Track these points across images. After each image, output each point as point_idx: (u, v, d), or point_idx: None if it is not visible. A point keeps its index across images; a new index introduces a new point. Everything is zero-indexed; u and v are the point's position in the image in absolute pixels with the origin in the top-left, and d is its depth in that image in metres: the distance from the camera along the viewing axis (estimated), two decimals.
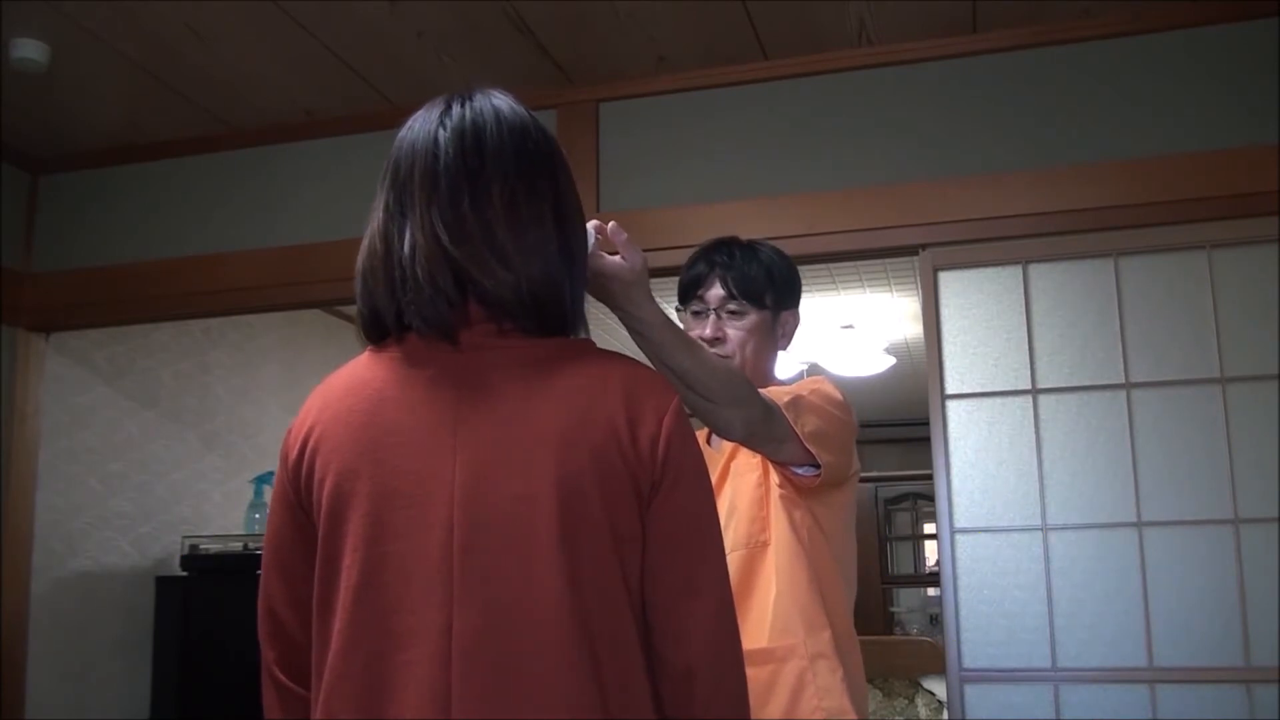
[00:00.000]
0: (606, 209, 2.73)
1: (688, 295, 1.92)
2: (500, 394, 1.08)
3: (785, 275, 1.92)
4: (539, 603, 1.02)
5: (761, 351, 1.91)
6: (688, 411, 1.17)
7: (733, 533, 1.79)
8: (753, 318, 1.87)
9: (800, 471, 1.74)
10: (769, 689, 1.67)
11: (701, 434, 1.98)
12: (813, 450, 1.68)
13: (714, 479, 1.86)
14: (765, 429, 1.63)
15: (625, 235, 1.35)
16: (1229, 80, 2.41)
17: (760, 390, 1.65)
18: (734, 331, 1.86)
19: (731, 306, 1.86)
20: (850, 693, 1.69)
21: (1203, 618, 2.24)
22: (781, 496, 1.77)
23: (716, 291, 1.87)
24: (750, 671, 1.62)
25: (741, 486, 1.82)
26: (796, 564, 1.73)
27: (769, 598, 1.72)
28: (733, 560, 1.72)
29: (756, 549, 1.77)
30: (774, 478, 1.79)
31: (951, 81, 2.58)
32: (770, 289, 1.88)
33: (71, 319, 3.13)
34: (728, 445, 1.86)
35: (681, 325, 1.90)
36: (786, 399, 1.68)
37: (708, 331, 1.87)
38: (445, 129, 1.12)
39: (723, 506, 1.82)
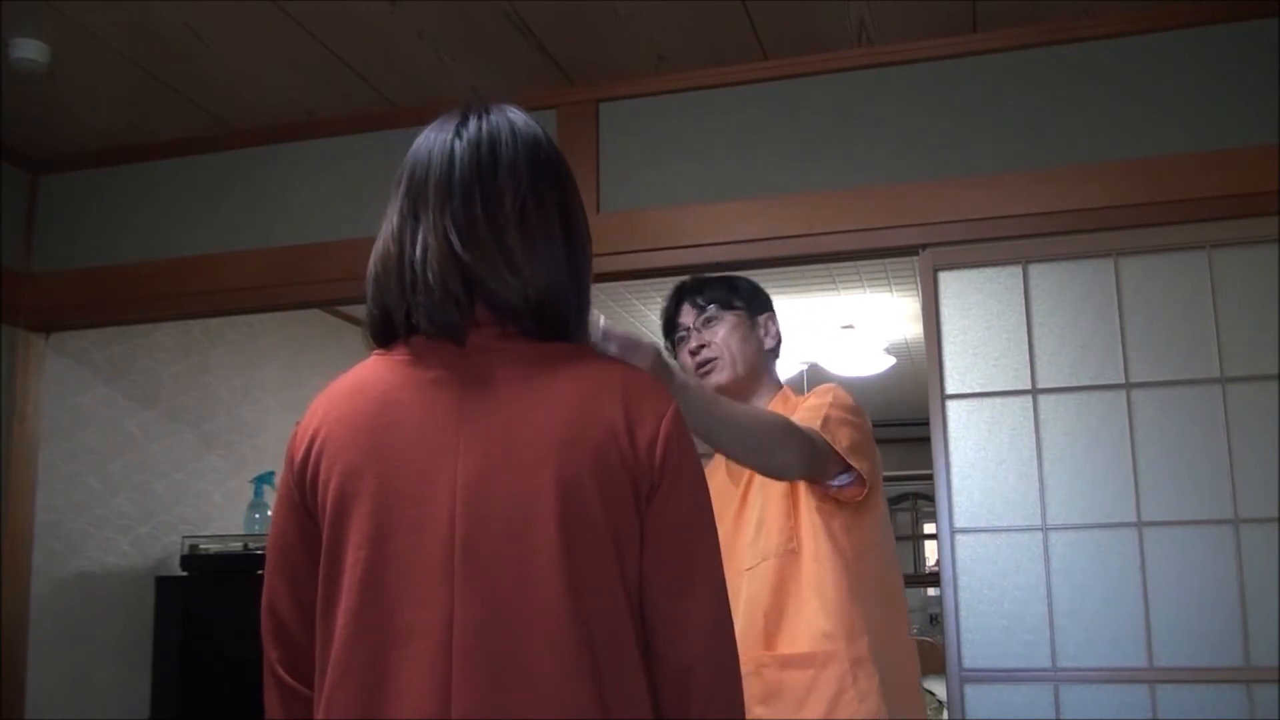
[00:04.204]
0: (606, 209, 2.73)
1: (669, 330, 2.07)
2: (503, 395, 1.10)
3: (748, 285, 2.08)
4: (539, 600, 1.03)
5: (747, 348, 2.01)
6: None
7: (763, 542, 1.85)
8: (728, 320, 2.01)
9: (837, 483, 1.80)
10: (808, 692, 1.72)
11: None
12: (853, 463, 1.75)
13: (739, 491, 1.96)
14: (820, 459, 1.71)
15: (613, 346, 1.27)
16: (1229, 80, 2.41)
17: (793, 419, 1.71)
18: (715, 336, 1.99)
19: (706, 315, 2.01)
20: (886, 698, 1.74)
21: (1203, 618, 2.24)
22: (818, 509, 1.83)
23: (688, 312, 2.03)
24: (789, 674, 1.73)
25: (769, 498, 1.88)
26: (836, 572, 1.79)
27: (807, 604, 1.78)
28: (766, 569, 1.83)
29: (787, 557, 1.82)
30: (802, 489, 1.84)
31: (951, 81, 2.58)
32: (735, 294, 2.03)
33: (71, 319, 3.13)
34: None
35: (674, 359, 2.04)
36: (818, 423, 1.75)
37: (692, 344, 2.00)
38: (461, 139, 1.15)
39: (751, 518, 1.90)
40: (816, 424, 1.75)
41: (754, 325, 2.04)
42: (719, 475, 2.08)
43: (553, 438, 1.07)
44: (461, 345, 1.11)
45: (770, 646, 1.79)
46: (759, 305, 2.08)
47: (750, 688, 1.73)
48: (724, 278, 2.09)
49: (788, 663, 1.76)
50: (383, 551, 1.06)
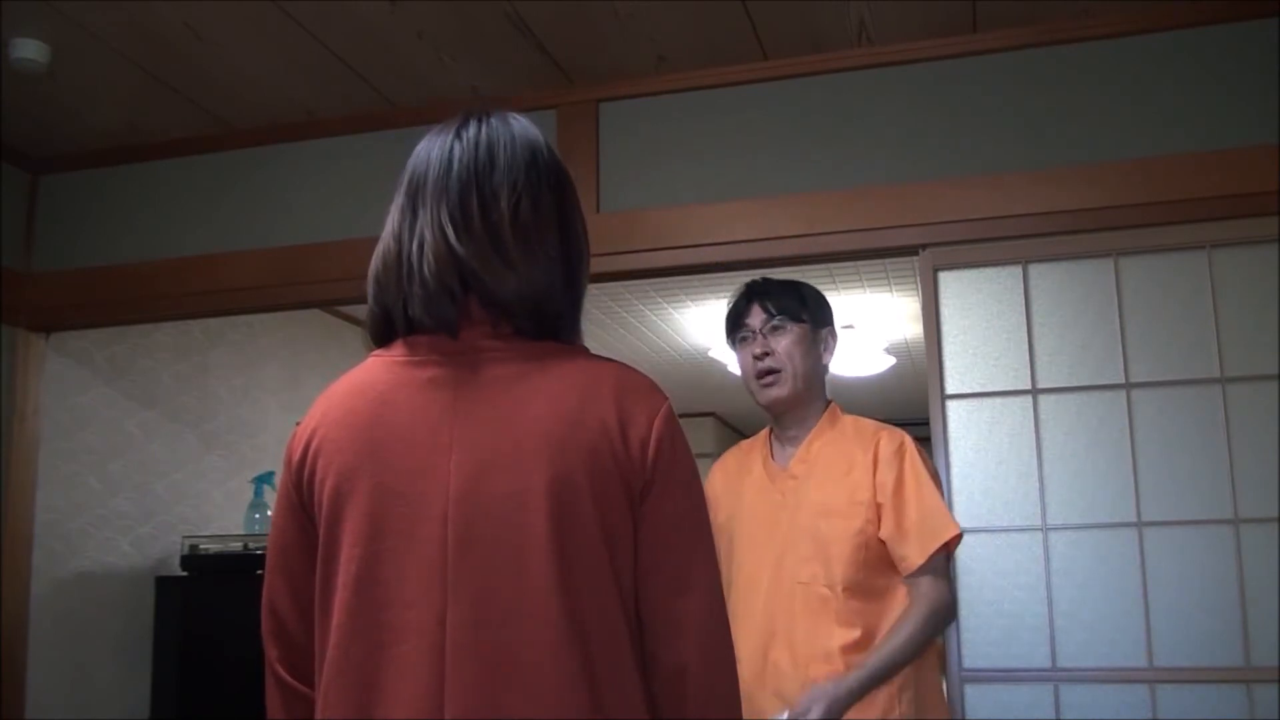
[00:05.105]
0: (606, 209, 2.73)
1: (734, 328, 2.12)
2: (495, 394, 1.10)
3: (816, 296, 2.13)
4: (531, 598, 1.04)
5: (808, 362, 2.09)
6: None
7: (824, 565, 1.95)
8: (794, 331, 2.06)
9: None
10: (868, 705, 1.86)
11: (757, 444, 2.17)
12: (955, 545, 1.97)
13: (786, 501, 2.04)
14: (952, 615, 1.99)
15: None
16: (1229, 80, 2.41)
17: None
18: (779, 345, 2.05)
19: (774, 323, 2.06)
20: (918, 707, 1.92)
21: (1203, 618, 2.24)
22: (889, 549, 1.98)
23: (757, 315, 2.08)
24: None
25: (836, 527, 1.96)
26: (892, 606, 1.94)
27: (869, 633, 1.92)
28: (831, 594, 1.93)
29: (852, 588, 1.93)
30: (873, 537, 1.95)
31: (951, 81, 2.58)
32: (804, 307, 2.08)
33: (71, 319, 3.13)
34: (799, 468, 2.05)
35: (734, 356, 2.14)
36: (941, 526, 1.93)
37: (756, 349, 2.06)
38: (461, 140, 1.17)
39: (807, 533, 1.98)
40: (944, 528, 1.93)
41: (816, 339, 2.10)
42: (755, 473, 2.13)
43: (545, 437, 1.07)
44: (455, 338, 1.12)
45: (841, 666, 1.90)
46: (823, 318, 2.13)
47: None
48: (794, 285, 2.12)
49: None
50: (377, 551, 1.07)
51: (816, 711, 1.75)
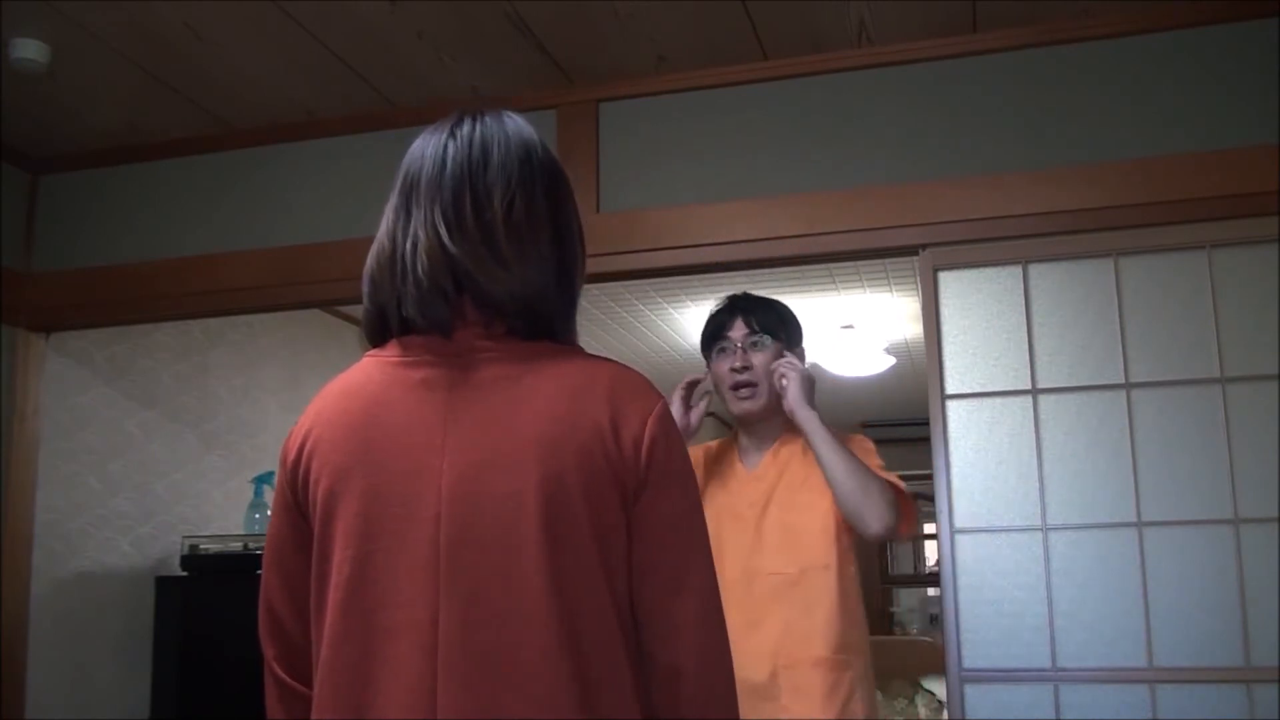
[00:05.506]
0: (606, 209, 2.73)
1: (714, 338, 2.23)
2: (489, 394, 1.10)
3: (791, 317, 2.28)
4: (523, 597, 1.04)
5: None
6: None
7: (799, 554, 2.09)
8: (771, 349, 2.19)
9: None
10: (831, 691, 2.00)
11: (724, 448, 2.28)
12: (909, 498, 2.11)
13: (762, 497, 2.16)
14: (895, 522, 2.04)
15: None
16: (1229, 80, 2.41)
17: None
18: (757, 361, 2.17)
19: (753, 339, 2.19)
20: (868, 706, 2.06)
21: (1203, 618, 2.24)
22: (847, 530, 2.09)
23: (739, 329, 2.20)
24: (819, 674, 2.00)
25: (805, 512, 2.11)
26: (850, 591, 2.08)
27: (833, 616, 2.04)
28: (805, 579, 2.07)
29: (819, 571, 2.07)
30: (838, 514, 2.08)
31: (951, 81, 2.58)
32: (783, 327, 2.22)
33: (71, 319, 3.13)
34: (770, 472, 2.18)
35: (708, 368, 2.26)
36: (889, 475, 2.09)
37: (737, 362, 2.18)
38: (455, 140, 1.17)
39: (778, 524, 2.12)
40: (895, 480, 2.09)
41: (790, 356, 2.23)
42: (723, 475, 2.19)
43: (538, 437, 1.07)
44: (449, 338, 1.12)
45: (810, 649, 2.03)
46: (796, 339, 2.27)
47: (783, 681, 2.01)
48: (773, 304, 2.26)
49: (820, 664, 2.01)
50: (369, 551, 1.07)
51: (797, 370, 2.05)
